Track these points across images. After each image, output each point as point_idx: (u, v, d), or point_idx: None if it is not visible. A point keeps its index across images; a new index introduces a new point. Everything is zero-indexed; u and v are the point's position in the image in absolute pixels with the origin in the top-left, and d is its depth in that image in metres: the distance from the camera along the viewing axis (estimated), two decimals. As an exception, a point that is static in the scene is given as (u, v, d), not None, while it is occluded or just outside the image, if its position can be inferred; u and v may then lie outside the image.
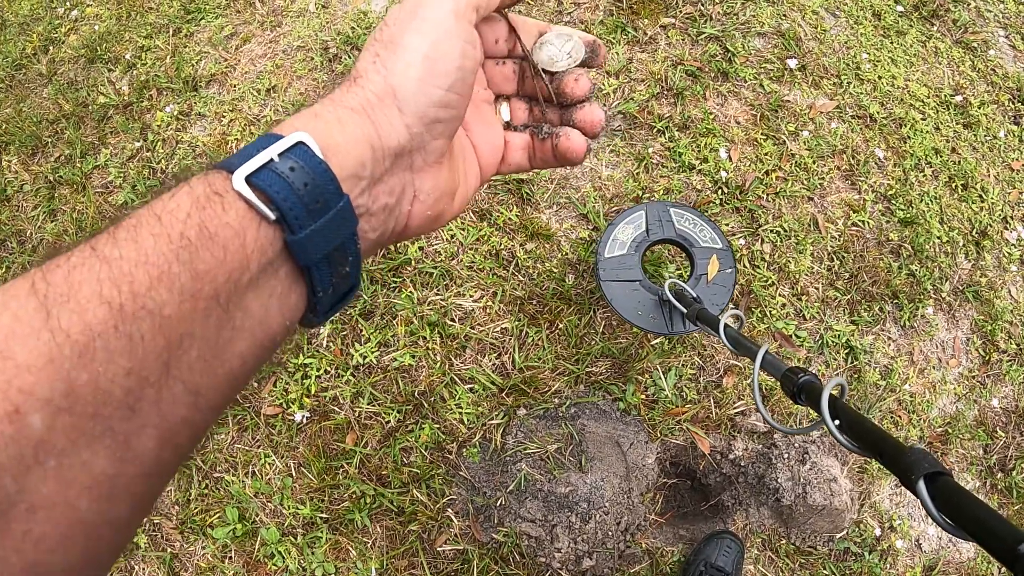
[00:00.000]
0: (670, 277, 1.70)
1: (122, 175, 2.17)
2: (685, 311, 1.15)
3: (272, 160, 0.34)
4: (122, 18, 2.43)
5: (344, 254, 0.37)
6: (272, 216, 0.33)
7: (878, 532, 1.69)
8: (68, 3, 2.59)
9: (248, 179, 0.33)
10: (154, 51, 2.35)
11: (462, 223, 1.90)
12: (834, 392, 0.62)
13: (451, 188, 0.46)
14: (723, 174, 1.92)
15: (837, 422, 0.60)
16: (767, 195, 1.91)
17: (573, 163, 0.51)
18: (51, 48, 2.44)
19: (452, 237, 1.89)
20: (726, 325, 0.91)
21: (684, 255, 1.42)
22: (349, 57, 2.24)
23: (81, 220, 2.12)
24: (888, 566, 1.69)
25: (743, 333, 0.93)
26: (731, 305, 1.63)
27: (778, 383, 0.76)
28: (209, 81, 2.29)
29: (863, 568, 1.67)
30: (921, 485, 0.48)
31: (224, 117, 2.21)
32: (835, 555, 1.69)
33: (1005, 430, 1.81)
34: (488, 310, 1.81)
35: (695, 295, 1.21)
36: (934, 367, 1.83)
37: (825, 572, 1.67)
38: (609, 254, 1.39)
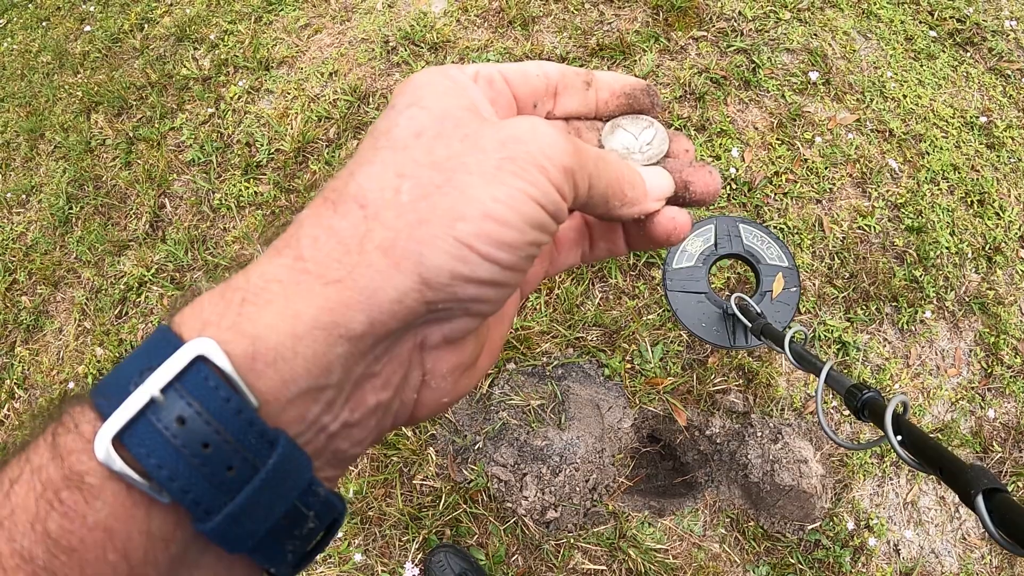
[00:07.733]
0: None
1: (194, 136, 2.43)
2: (750, 325, 1.14)
3: (153, 402, 0.22)
4: (211, 4, 2.74)
5: (299, 516, 0.25)
6: (165, 500, 0.22)
7: (851, 526, 1.68)
8: (170, -10, 2.94)
9: (119, 438, 0.22)
10: (236, 35, 2.64)
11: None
12: (897, 409, 0.63)
13: (476, 355, 0.32)
14: (732, 171, 1.99)
15: (899, 438, 0.61)
16: (775, 194, 1.97)
17: (671, 243, 0.35)
18: (146, 26, 2.77)
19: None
20: (791, 339, 0.91)
21: (750, 271, 1.42)
22: (405, 50, 2.45)
23: (152, 172, 2.38)
24: (860, 565, 1.66)
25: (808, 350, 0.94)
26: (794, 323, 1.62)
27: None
28: (280, 63, 2.54)
29: (831, 561, 1.65)
30: (979, 501, 0.49)
31: (289, 94, 2.45)
32: (804, 546, 1.68)
33: (1003, 445, 1.77)
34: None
35: (759, 310, 1.20)
36: (930, 373, 1.81)
37: (791, 561, 1.66)
38: (677, 265, 1.37)
